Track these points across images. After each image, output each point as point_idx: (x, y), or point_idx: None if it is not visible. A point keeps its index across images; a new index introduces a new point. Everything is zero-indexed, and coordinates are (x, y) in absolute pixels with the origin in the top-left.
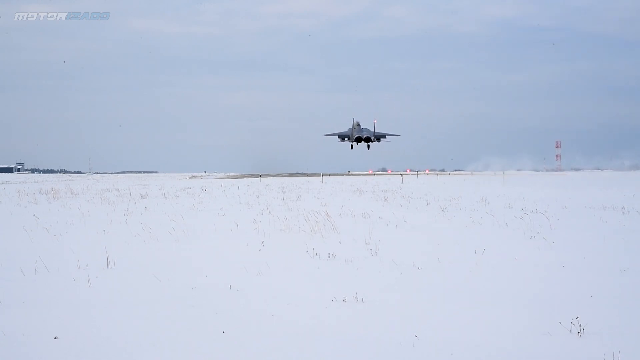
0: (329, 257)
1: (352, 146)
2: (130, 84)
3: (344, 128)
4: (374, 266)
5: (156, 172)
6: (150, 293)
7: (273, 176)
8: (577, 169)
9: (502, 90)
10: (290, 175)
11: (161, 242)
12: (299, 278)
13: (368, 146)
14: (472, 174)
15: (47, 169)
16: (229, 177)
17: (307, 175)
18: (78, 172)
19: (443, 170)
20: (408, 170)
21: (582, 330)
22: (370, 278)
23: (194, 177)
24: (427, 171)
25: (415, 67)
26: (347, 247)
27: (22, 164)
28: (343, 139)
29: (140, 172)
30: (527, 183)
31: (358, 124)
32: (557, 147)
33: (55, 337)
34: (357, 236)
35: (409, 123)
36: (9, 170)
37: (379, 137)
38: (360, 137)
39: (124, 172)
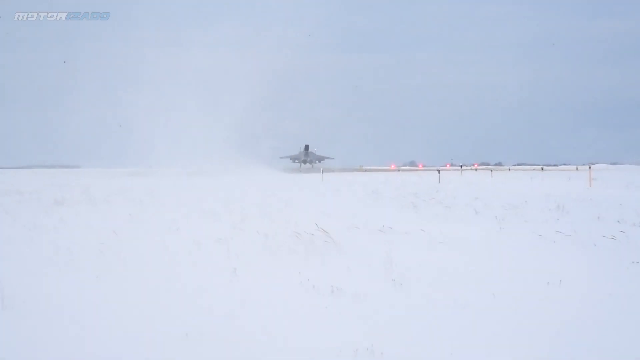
0: (333, 291)
1: (300, 165)
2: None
3: (296, 151)
4: (398, 305)
5: (78, 167)
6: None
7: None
8: None
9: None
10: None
11: (83, 272)
12: (288, 323)
13: (312, 166)
14: (542, 169)
15: None
16: (188, 173)
17: (300, 171)
18: None
19: (499, 164)
20: (448, 166)
21: None
22: (392, 323)
23: (136, 173)
24: (475, 166)
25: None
26: (359, 276)
27: None
28: (294, 161)
29: (54, 166)
30: (625, 183)
31: (307, 148)
32: None
33: None
34: (373, 260)
35: (447, 104)
36: None
37: (319, 160)
38: (306, 160)
39: (29, 168)
